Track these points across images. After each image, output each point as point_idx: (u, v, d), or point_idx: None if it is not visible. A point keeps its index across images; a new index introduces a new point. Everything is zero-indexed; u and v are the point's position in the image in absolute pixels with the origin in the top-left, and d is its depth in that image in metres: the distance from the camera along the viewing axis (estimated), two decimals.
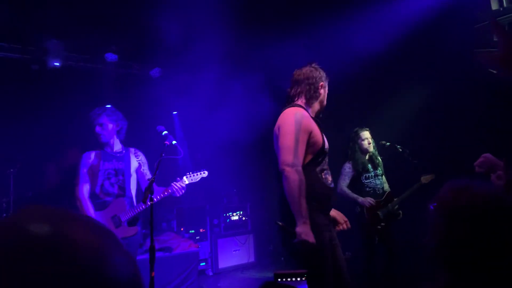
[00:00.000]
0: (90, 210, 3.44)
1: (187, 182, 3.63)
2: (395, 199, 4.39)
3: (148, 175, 3.74)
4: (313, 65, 2.84)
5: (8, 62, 5.87)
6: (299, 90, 2.77)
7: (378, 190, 4.41)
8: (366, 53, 5.11)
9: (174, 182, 3.57)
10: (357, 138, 4.48)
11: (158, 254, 4.20)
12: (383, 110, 5.59)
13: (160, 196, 3.49)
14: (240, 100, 6.27)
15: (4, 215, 5.09)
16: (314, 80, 2.76)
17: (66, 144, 5.70)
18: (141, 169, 3.75)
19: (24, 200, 5.46)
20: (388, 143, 4.59)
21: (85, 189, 3.52)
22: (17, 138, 5.70)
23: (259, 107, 6.21)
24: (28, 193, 5.50)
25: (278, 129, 2.57)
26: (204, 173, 3.74)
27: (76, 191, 3.51)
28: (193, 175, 3.69)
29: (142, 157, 3.81)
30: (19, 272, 0.46)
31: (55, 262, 0.48)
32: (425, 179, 4.29)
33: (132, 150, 3.80)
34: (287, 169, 2.40)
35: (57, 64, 5.96)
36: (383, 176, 4.52)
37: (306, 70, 2.80)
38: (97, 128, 3.59)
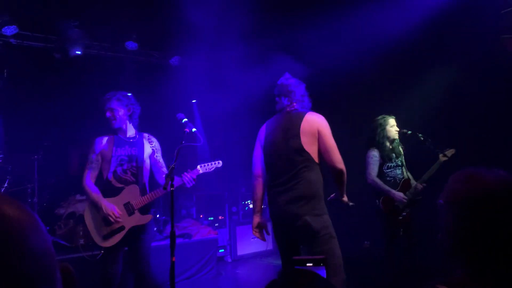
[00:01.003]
0: (100, 196, 3.32)
1: (200, 172, 3.47)
2: (413, 185, 4.25)
3: (161, 162, 3.60)
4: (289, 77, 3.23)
5: (32, 51, 5.99)
6: (299, 99, 3.10)
7: (399, 180, 4.30)
8: (387, 38, 5.00)
9: (185, 173, 3.40)
10: (386, 124, 4.31)
11: (177, 241, 4.24)
12: (404, 97, 5.47)
13: (176, 184, 3.36)
14: (261, 90, 6.25)
15: (29, 200, 5.24)
16: (304, 92, 3.17)
17: (89, 132, 5.78)
18: (155, 156, 3.59)
19: (48, 186, 5.61)
20: (409, 131, 4.42)
21: (92, 175, 3.42)
22: (41, 125, 5.83)
23: None
24: (51, 180, 5.63)
25: (319, 130, 2.89)
26: (218, 163, 3.57)
27: (83, 177, 3.40)
28: (207, 165, 3.53)
29: (156, 143, 3.65)
30: None
31: None
32: (443, 156, 4.11)
33: (146, 135, 3.63)
34: (343, 167, 2.87)
35: (79, 52, 6.06)
36: (403, 167, 4.39)
37: (295, 81, 3.16)
38: (108, 114, 3.44)
